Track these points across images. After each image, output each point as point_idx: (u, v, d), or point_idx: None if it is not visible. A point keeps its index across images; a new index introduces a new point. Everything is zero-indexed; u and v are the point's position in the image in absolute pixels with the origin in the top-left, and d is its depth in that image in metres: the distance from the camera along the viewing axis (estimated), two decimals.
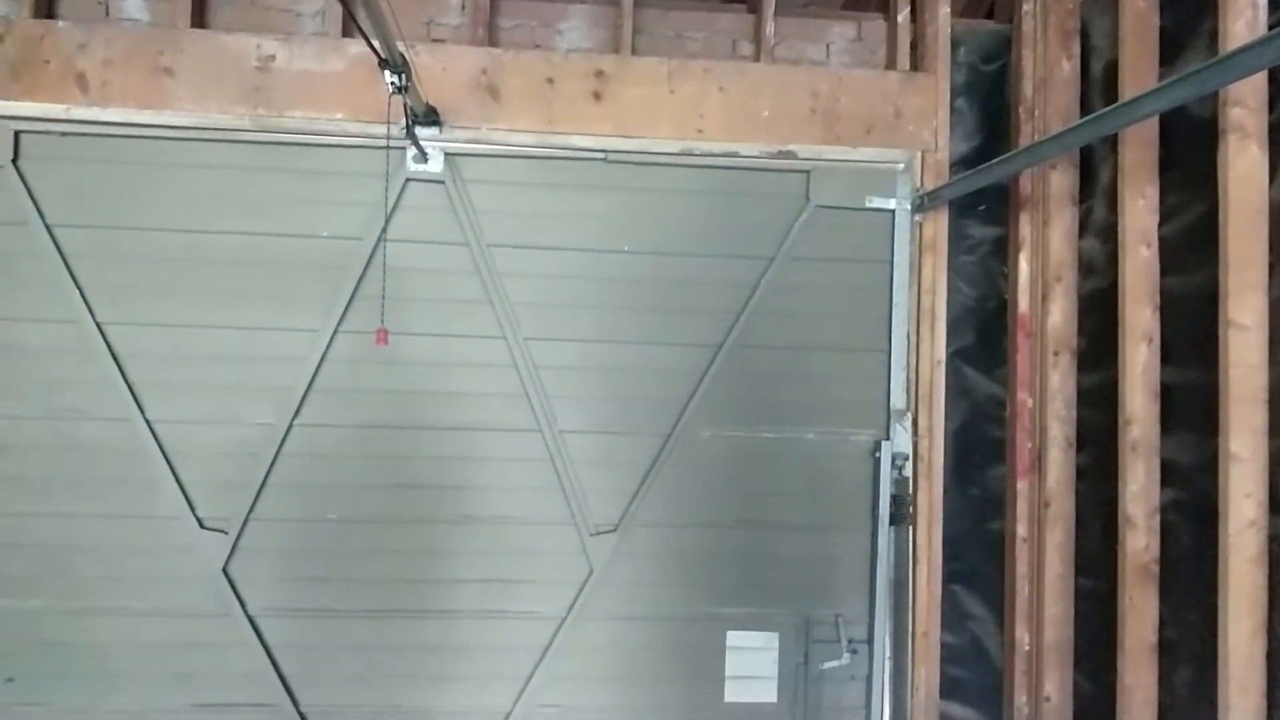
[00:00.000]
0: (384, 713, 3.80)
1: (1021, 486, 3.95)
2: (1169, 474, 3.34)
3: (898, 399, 3.98)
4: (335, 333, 3.78)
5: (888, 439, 3.94)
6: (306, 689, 3.78)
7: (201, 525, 3.73)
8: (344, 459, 3.81)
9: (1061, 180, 3.85)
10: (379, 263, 3.76)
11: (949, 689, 4.00)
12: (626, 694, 3.90)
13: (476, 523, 3.86)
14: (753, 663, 3.94)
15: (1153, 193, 3.41)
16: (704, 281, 3.95)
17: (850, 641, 3.93)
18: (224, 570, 3.73)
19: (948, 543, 3.98)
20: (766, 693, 3.94)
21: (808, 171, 3.98)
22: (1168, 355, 3.37)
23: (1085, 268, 3.82)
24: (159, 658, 3.72)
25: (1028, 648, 3.92)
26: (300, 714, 3.75)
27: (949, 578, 4.00)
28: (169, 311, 3.74)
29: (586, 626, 3.88)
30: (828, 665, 3.92)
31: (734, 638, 3.94)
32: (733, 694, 3.93)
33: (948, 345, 3.99)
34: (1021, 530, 3.94)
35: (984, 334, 4.06)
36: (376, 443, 3.82)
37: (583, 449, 3.91)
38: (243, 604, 3.74)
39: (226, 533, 3.73)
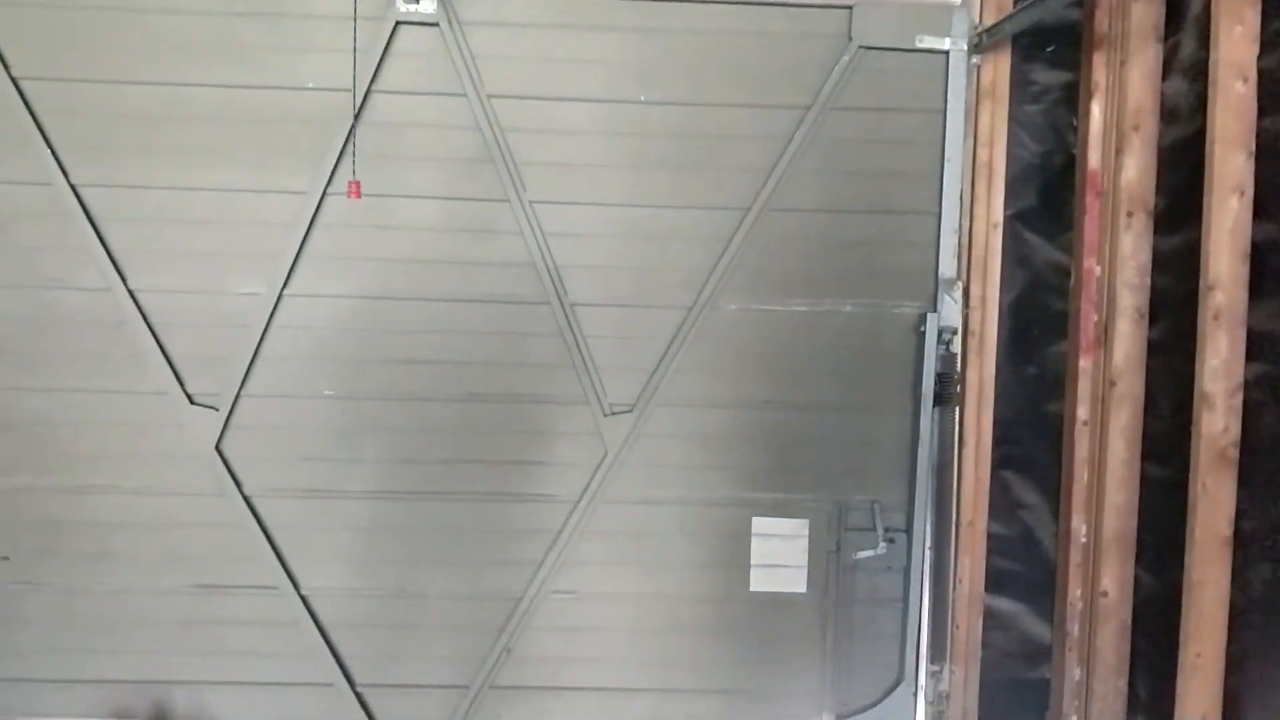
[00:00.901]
0: (388, 596, 3.62)
1: (1084, 364, 3.54)
2: (1255, 346, 2.91)
3: (947, 267, 3.57)
4: (324, 194, 3.46)
5: (935, 311, 3.56)
6: (307, 571, 3.61)
7: (191, 401, 3.52)
8: (339, 331, 3.54)
9: (1145, 11, 3.31)
10: (370, 118, 3.42)
11: (995, 582, 3.69)
12: (645, 580, 3.66)
13: (483, 401, 3.59)
14: (781, 551, 3.67)
15: (1252, 17, 2.88)
16: (732, 135, 3.53)
17: (887, 530, 3.63)
18: (217, 448, 3.53)
19: (998, 426, 3.61)
20: (795, 582, 3.68)
21: (850, 7, 3.49)
22: (1261, 210, 2.90)
23: (1167, 115, 3.32)
24: (155, 537, 3.56)
25: (1085, 539, 3.57)
26: (301, 596, 3.59)
27: (999, 463, 3.65)
28: (147, 172, 3.45)
29: (602, 510, 3.62)
30: (862, 555, 3.63)
31: (760, 524, 3.66)
32: (759, 583, 3.68)
33: (1006, 206, 3.55)
34: (1083, 412, 3.55)
35: (1047, 194, 3.60)
36: (373, 315, 3.54)
37: (596, 323, 3.58)
38: (238, 483, 3.55)
39: (218, 409, 3.52)
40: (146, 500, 3.54)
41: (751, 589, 3.69)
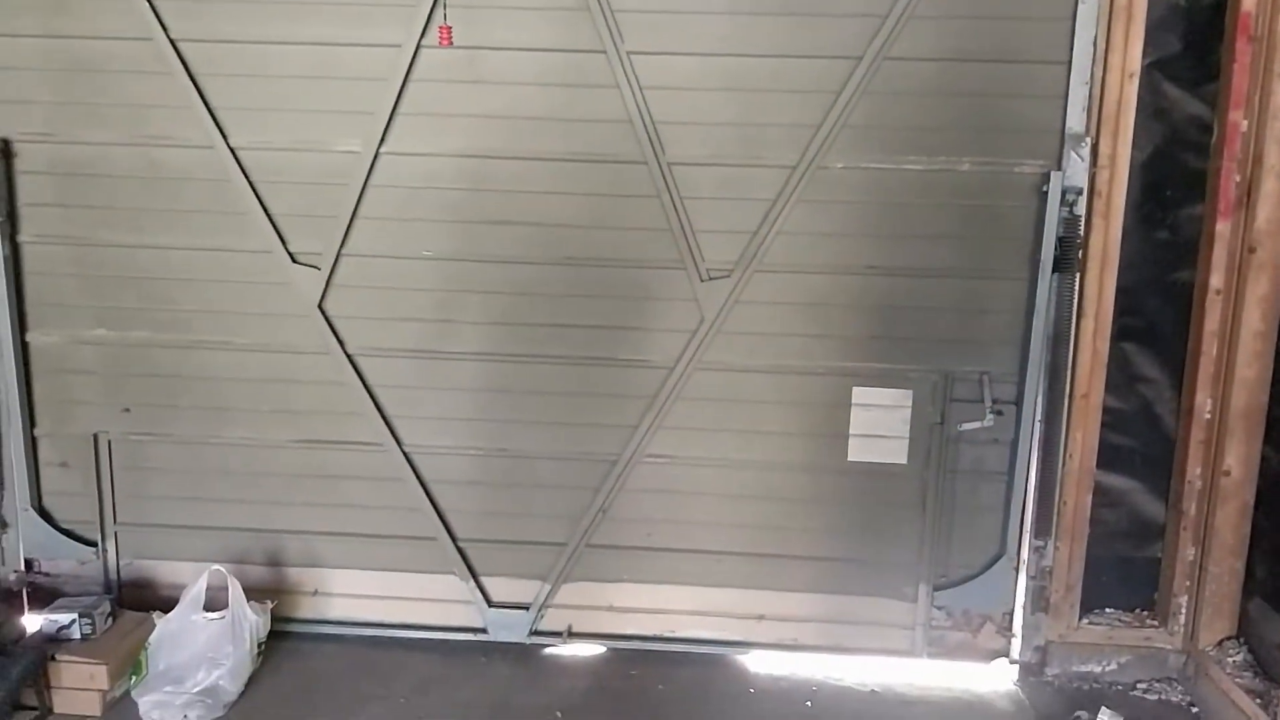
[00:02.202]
0: (489, 455, 3.68)
1: (1222, 228, 3.28)
2: None
3: (1075, 121, 3.30)
4: (419, 47, 3.37)
5: (1059, 170, 3.31)
6: (409, 429, 3.68)
7: (294, 259, 3.56)
8: (436, 191, 3.50)
9: None
10: None
11: (1108, 458, 3.54)
12: (740, 447, 3.62)
13: (580, 264, 3.53)
14: (882, 421, 3.58)
15: None
16: None
17: (995, 402, 3.48)
18: (319, 306, 3.58)
19: (1121, 294, 3.39)
20: (895, 453, 3.59)
21: None
22: None
23: None
24: (265, 393, 3.67)
25: (1209, 415, 3.38)
26: (404, 454, 3.67)
27: (1119, 334, 3.44)
28: (240, 25, 3.41)
29: (698, 377, 3.57)
30: (967, 426, 3.50)
31: (861, 394, 3.56)
32: (857, 452, 3.60)
33: (1144, 54, 3.24)
34: (1216, 280, 3.31)
35: (1192, 40, 3.27)
36: (469, 174, 3.48)
37: (695, 182, 3.46)
38: (341, 342, 3.60)
39: (319, 268, 3.55)
40: (256, 356, 3.63)
41: (850, 458, 3.62)
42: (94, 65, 3.46)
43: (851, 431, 3.59)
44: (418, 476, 3.70)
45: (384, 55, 3.39)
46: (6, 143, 3.50)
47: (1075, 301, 3.37)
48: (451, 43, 2.93)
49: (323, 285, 3.56)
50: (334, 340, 3.60)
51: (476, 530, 3.74)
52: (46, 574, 3.77)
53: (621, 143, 3.44)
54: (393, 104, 3.42)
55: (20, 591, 3.56)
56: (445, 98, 3.43)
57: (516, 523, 3.73)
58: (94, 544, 3.75)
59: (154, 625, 3.31)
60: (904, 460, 3.59)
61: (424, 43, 3.35)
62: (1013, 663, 3.67)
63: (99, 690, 3.22)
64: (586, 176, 3.48)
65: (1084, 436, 3.46)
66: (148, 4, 3.38)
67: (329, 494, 3.73)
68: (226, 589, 3.37)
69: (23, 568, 3.73)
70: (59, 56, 3.47)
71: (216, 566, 3.37)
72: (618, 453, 3.65)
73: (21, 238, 3.58)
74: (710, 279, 3.51)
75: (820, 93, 3.37)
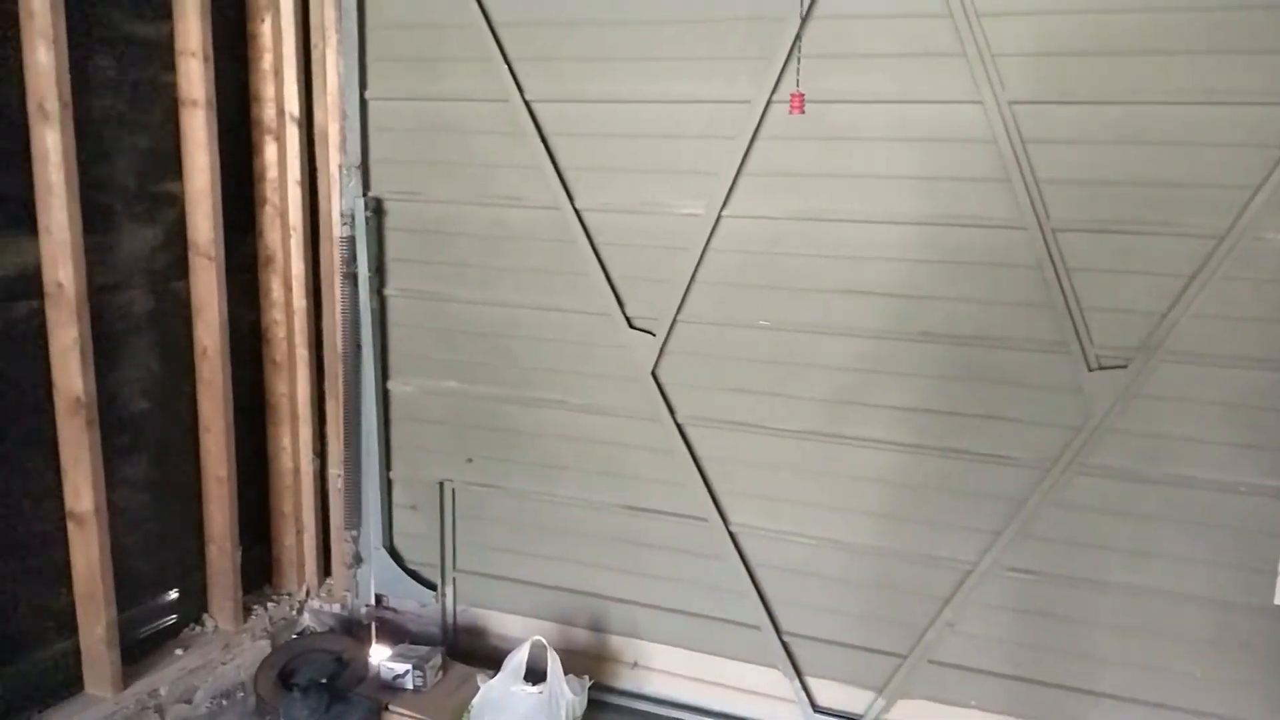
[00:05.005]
0: (821, 544, 3.32)
1: None
2: None
3: None
4: (769, 103, 3.10)
5: None
6: (736, 506, 3.42)
7: (630, 324, 3.43)
8: (778, 256, 3.21)
9: None
10: (821, 11, 2.98)
11: None
12: (1127, 569, 2.99)
13: (939, 341, 3.09)
14: None
15: None
16: None
17: None
18: (653, 373, 3.42)
19: None
20: None
21: None
22: None
23: None
24: (593, 453, 3.58)
25: None
26: (730, 532, 3.42)
27: None
28: (591, 84, 3.33)
29: (1078, 482, 3.00)
30: None
31: None
32: None
33: None
34: None
35: None
36: (815, 238, 3.16)
37: (1086, 252, 2.89)
38: (671, 410, 3.42)
39: (654, 334, 3.39)
40: (589, 418, 3.55)
41: (1277, 601, 2.87)
42: (454, 126, 3.54)
43: None
44: (742, 558, 3.43)
45: (732, 112, 3.16)
46: (379, 201, 3.69)
47: None
48: (804, 110, 2.61)
49: (657, 351, 3.40)
50: (664, 408, 3.43)
51: (804, 625, 3.41)
52: (393, 610, 3.95)
53: (995, 204, 2.95)
54: (738, 163, 3.17)
55: (369, 626, 3.74)
56: (793, 156, 3.13)
57: (849, 623, 3.35)
58: (434, 587, 3.87)
59: (477, 686, 3.32)
60: None
61: (775, 98, 3.07)
62: None
63: None
64: (950, 242, 3.03)
65: None
66: (506, 66, 3.40)
67: (651, 564, 3.57)
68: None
69: (373, 602, 3.93)
70: (427, 118, 3.59)
71: (538, 638, 3.31)
72: (972, 560, 3.15)
73: (388, 291, 3.76)
74: (1101, 367, 2.92)
75: (1259, 146, 2.68)
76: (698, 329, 3.35)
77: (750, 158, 3.17)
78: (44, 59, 2.90)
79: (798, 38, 2.98)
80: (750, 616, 3.44)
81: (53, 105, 2.93)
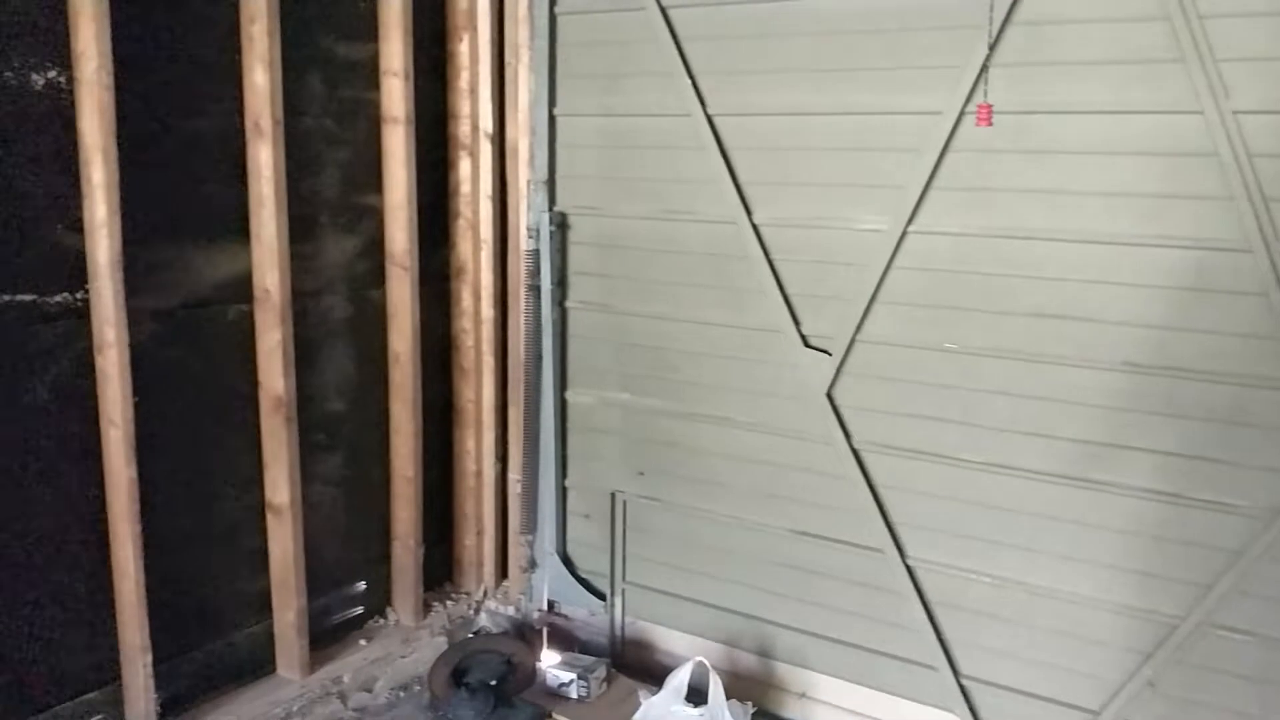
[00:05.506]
0: (1007, 585, 3.10)
1: None
2: None
3: None
4: (961, 114, 2.91)
5: None
6: (915, 539, 3.24)
7: (805, 343, 3.32)
8: (967, 276, 3.03)
9: None
10: (1021, 16, 2.78)
11: None
12: None
13: (1144, 373, 2.81)
14: None
15: None
16: None
17: None
18: (828, 394, 3.30)
19: None
20: None
21: None
22: None
23: None
24: (759, 474, 3.48)
25: None
26: (907, 566, 3.25)
27: None
28: (773, 96, 3.25)
29: None
30: None
31: None
32: None
33: None
34: None
35: None
36: (1008, 257, 2.95)
37: None
38: (847, 434, 3.29)
39: (830, 354, 3.28)
40: (757, 436, 3.47)
41: None
42: (635, 141, 3.56)
43: None
44: (920, 594, 3.25)
45: (921, 124, 3.00)
46: (564, 215, 3.76)
47: None
48: (991, 123, 2.43)
49: (833, 372, 3.28)
50: (839, 431, 3.30)
51: (985, 670, 3.19)
52: (564, 617, 4.00)
53: (1215, 224, 2.66)
54: (927, 177, 3.01)
55: (541, 630, 3.80)
56: (986, 170, 2.94)
57: (1036, 672, 3.10)
58: (604, 597, 3.90)
59: (639, 702, 3.30)
60: None
61: (967, 109, 2.90)
62: None
63: None
64: (1161, 264, 2.75)
65: None
66: (689, 80, 3.38)
67: (819, 592, 3.44)
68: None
69: (545, 608, 4.00)
70: (610, 133, 3.62)
71: (700, 659, 3.26)
72: (1180, 615, 2.85)
73: (569, 303, 3.82)
74: None
75: None
76: (877, 350, 3.21)
77: (940, 171, 2.99)
78: (260, 80, 3.13)
79: (992, 46, 2.80)
80: (926, 656, 3.26)
81: (266, 123, 3.16)
